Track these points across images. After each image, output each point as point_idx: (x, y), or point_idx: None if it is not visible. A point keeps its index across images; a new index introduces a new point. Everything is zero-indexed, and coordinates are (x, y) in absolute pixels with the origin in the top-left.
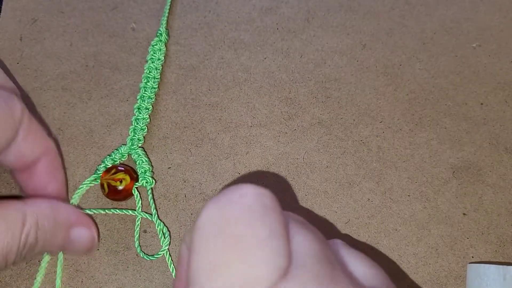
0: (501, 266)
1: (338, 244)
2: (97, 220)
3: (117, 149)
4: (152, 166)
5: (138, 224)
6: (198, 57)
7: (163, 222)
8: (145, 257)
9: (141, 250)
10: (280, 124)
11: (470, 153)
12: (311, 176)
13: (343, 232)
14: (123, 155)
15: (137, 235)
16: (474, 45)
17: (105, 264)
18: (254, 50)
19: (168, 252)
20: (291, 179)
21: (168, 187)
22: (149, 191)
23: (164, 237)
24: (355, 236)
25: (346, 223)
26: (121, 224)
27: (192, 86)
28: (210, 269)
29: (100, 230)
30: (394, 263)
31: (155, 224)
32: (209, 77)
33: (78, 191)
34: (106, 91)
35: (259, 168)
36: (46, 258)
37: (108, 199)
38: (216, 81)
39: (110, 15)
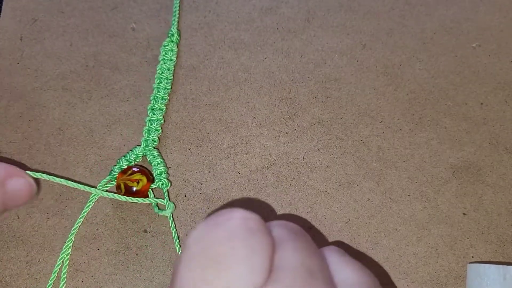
0: (501, 266)
1: (332, 251)
2: (97, 220)
3: (131, 150)
4: (167, 167)
5: (155, 203)
6: (198, 57)
7: (174, 203)
8: (158, 211)
9: (156, 204)
10: (280, 124)
11: (470, 153)
12: (311, 176)
13: (343, 232)
14: (138, 156)
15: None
16: (474, 45)
17: (105, 264)
18: (254, 50)
19: (171, 217)
20: (291, 179)
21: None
22: (165, 193)
23: (170, 206)
24: (355, 236)
25: (346, 223)
26: (121, 224)
27: (192, 86)
28: (191, 285)
29: (100, 230)
30: (393, 264)
31: (166, 206)
32: (209, 77)
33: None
34: (106, 91)
35: (259, 168)
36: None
37: (111, 199)
38: (216, 81)
39: (110, 15)
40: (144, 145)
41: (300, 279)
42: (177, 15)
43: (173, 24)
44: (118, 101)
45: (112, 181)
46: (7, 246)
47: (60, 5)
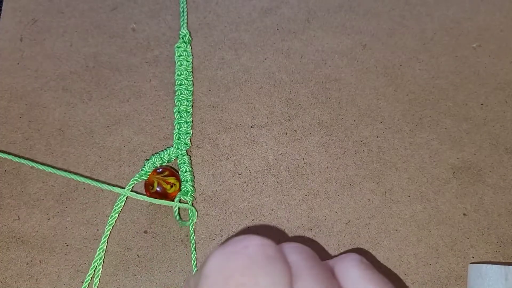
0: (503, 266)
1: (352, 267)
2: (97, 221)
3: (165, 150)
4: (193, 176)
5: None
6: (198, 58)
7: (197, 211)
8: (180, 222)
9: (179, 218)
10: (280, 125)
11: (470, 154)
12: (312, 177)
13: (344, 232)
14: (170, 158)
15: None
16: (474, 45)
17: (106, 264)
18: (254, 50)
19: (193, 227)
20: (291, 179)
21: None
22: (190, 203)
23: (193, 215)
24: (355, 237)
25: (346, 223)
26: (122, 225)
27: (193, 86)
28: None
29: (100, 231)
30: (393, 264)
31: (189, 215)
32: (210, 77)
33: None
34: (106, 92)
35: (260, 169)
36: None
37: (111, 200)
38: (216, 81)
39: (110, 16)
40: (177, 147)
41: None
42: (186, 15)
43: (182, 25)
44: (119, 102)
45: (145, 175)
46: (8, 247)
47: (60, 6)
